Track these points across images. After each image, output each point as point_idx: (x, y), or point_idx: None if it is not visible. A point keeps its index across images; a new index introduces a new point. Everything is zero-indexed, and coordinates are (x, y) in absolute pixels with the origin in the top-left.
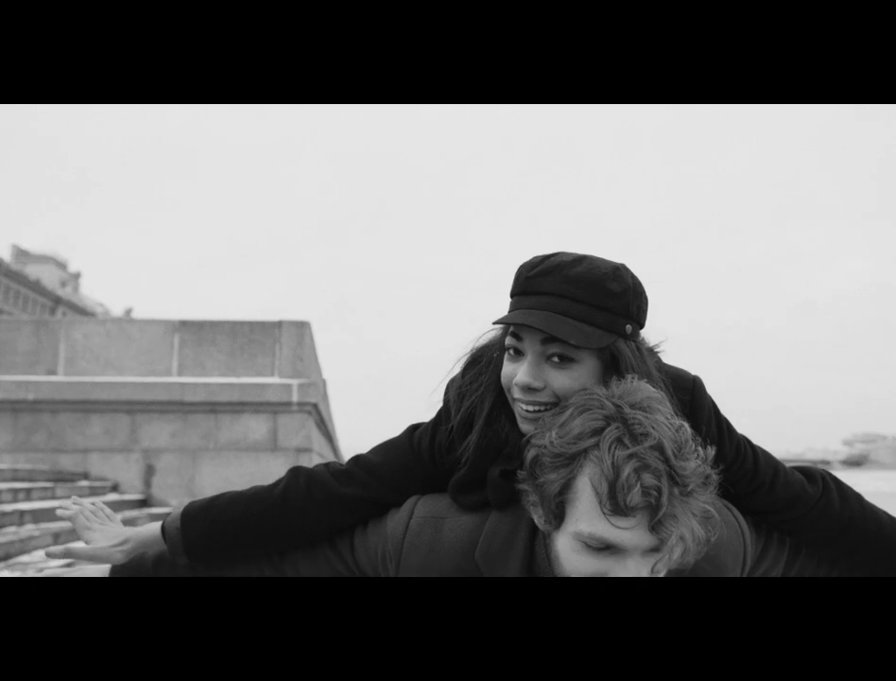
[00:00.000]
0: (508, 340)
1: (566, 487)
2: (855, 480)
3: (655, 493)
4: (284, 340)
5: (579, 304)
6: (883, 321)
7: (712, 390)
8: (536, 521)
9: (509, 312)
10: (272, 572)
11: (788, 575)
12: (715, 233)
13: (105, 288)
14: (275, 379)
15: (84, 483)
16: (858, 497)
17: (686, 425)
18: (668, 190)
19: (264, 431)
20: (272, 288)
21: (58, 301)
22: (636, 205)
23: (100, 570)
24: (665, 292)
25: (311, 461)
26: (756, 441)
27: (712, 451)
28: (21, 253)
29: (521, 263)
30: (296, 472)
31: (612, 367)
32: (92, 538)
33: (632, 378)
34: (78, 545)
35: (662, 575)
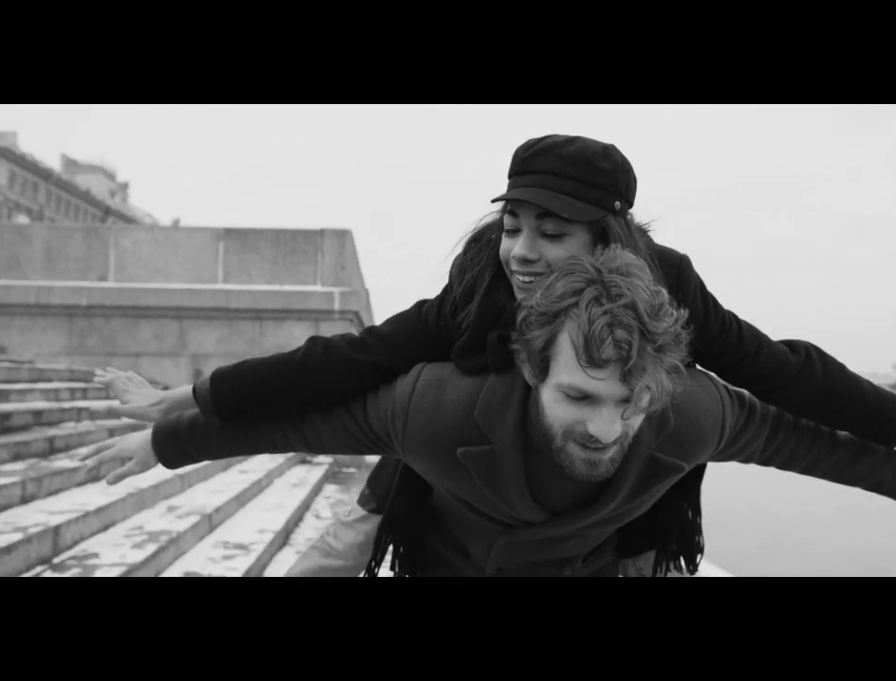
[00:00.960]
0: (506, 219)
1: (549, 343)
2: None
3: (626, 346)
4: (327, 247)
5: (571, 180)
6: None
7: (755, 306)
8: (526, 377)
9: (507, 191)
10: (292, 432)
11: (768, 451)
12: (763, 148)
13: (153, 198)
14: (317, 287)
15: None
16: (841, 366)
17: (664, 291)
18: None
19: (306, 337)
20: (314, 199)
21: (107, 211)
22: (692, 111)
23: (144, 435)
24: (716, 207)
25: None
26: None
27: (685, 313)
28: (70, 163)
29: (517, 145)
30: (314, 341)
31: (602, 241)
32: (130, 399)
33: (615, 247)
34: (119, 404)
35: (631, 422)
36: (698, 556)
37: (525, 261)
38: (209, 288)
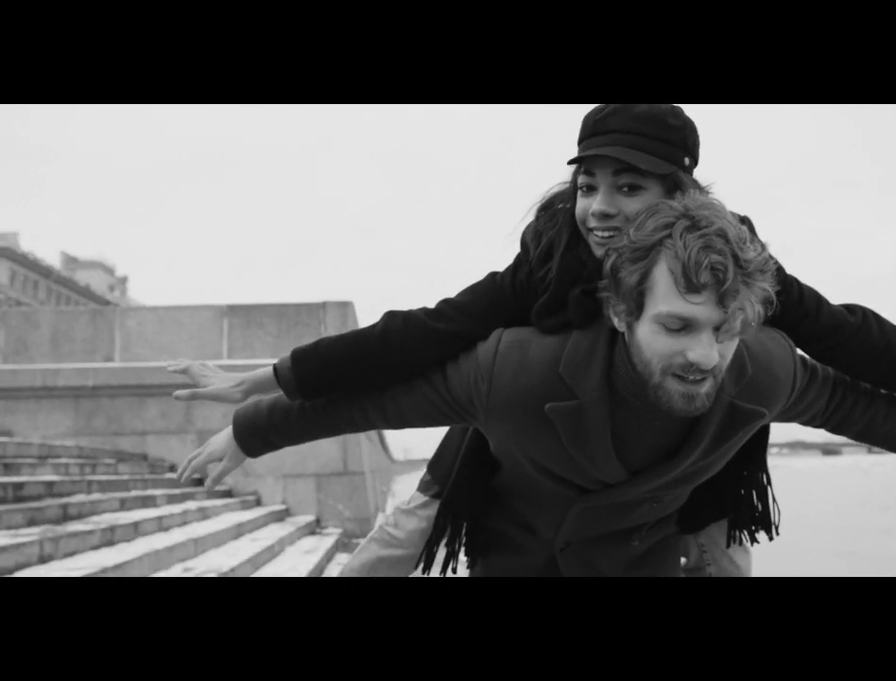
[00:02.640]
0: (582, 178)
1: (645, 277)
2: None
3: (721, 268)
4: (329, 319)
5: (645, 137)
6: None
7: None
8: (617, 324)
9: (580, 152)
10: (372, 408)
11: (828, 411)
12: (767, 208)
13: (152, 291)
14: None
15: (144, 463)
16: (895, 326)
17: (745, 227)
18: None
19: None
20: (315, 284)
21: (107, 304)
22: None
23: (227, 432)
24: None
25: (359, 438)
26: None
27: (769, 248)
28: (70, 260)
29: (585, 113)
30: (392, 315)
31: (674, 195)
32: (211, 382)
33: (694, 192)
34: (201, 389)
35: (724, 351)
36: (774, 526)
37: (604, 216)
38: (214, 365)
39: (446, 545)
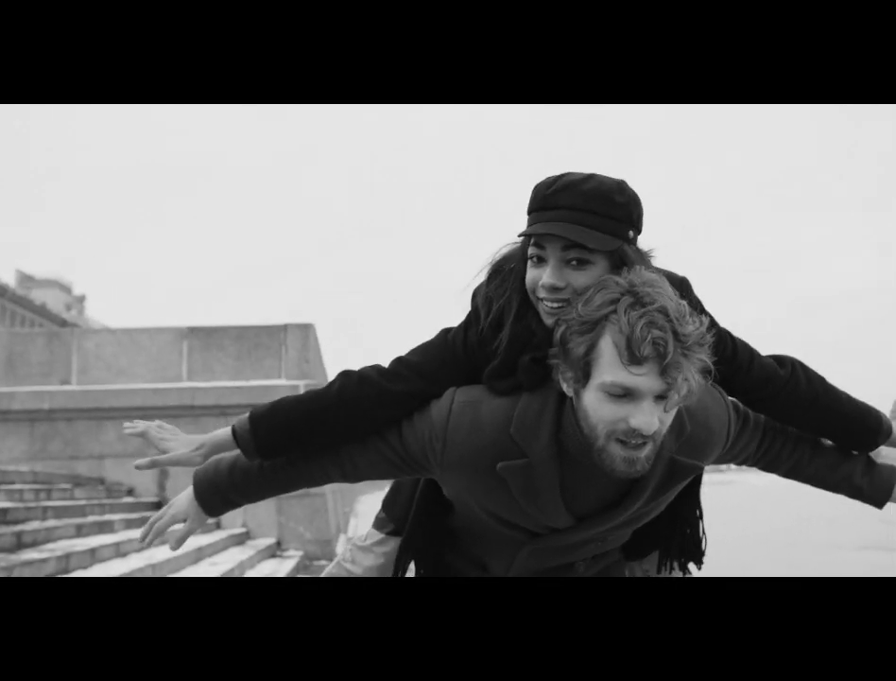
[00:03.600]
0: (532, 250)
1: (591, 348)
2: None
3: (662, 343)
4: (290, 342)
5: (592, 214)
6: (888, 317)
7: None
8: (565, 389)
9: (529, 226)
10: (330, 465)
11: (759, 453)
12: (717, 231)
13: (110, 311)
14: (282, 381)
15: (101, 487)
16: (822, 379)
17: (685, 302)
18: (667, 190)
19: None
20: (278, 303)
21: (63, 324)
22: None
23: (188, 492)
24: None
25: None
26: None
27: (706, 320)
28: (25, 278)
29: (536, 183)
30: (347, 375)
31: (620, 268)
32: (170, 447)
33: (638, 268)
34: (161, 455)
35: (664, 418)
36: (702, 557)
37: (553, 289)
38: (173, 387)
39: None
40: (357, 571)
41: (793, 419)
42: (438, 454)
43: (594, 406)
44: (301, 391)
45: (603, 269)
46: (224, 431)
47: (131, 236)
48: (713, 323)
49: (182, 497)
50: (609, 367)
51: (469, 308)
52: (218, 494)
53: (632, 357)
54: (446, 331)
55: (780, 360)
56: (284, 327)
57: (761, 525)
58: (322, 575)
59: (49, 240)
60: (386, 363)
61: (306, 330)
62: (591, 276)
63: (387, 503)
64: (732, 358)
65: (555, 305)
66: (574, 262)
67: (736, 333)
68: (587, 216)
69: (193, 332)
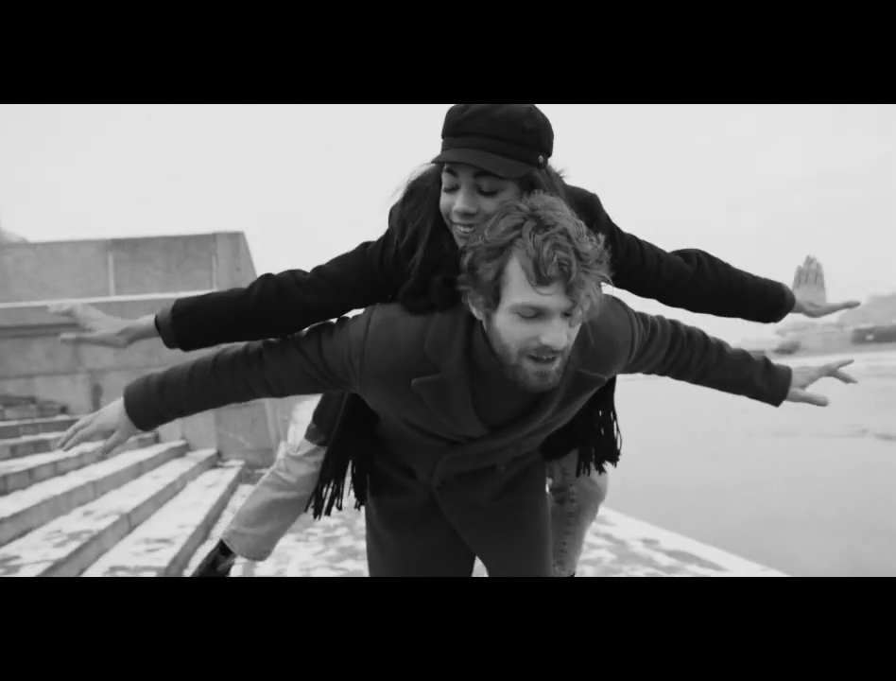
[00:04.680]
0: (445, 177)
1: (499, 272)
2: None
3: (567, 263)
4: (220, 251)
5: (502, 141)
6: (813, 210)
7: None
8: (475, 313)
9: (442, 152)
10: (254, 382)
11: (667, 363)
12: (649, 130)
13: (27, 222)
14: (214, 290)
15: (32, 407)
16: (726, 265)
17: (582, 222)
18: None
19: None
20: (203, 209)
21: None
22: (571, 107)
23: (118, 405)
24: (608, 192)
25: None
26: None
27: (602, 238)
28: None
29: (449, 108)
30: (266, 282)
31: (529, 191)
32: (95, 326)
33: (537, 192)
34: (86, 333)
35: (571, 333)
36: (617, 455)
37: (465, 215)
38: (101, 301)
39: (331, 486)
40: (292, 480)
41: (702, 307)
42: (356, 370)
43: (506, 327)
44: None
45: (513, 193)
46: (147, 319)
47: (43, 144)
48: (620, 234)
49: (112, 407)
50: (518, 289)
51: (386, 226)
52: (150, 409)
53: (540, 278)
54: (364, 245)
55: (685, 255)
56: (214, 236)
57: (685, 417)
58: (259, 485)
59: None
60: (308, 269)
61: (236, 239)
62: (501, 201)
63: (317, 414)
64: (641, 266)
65: (467, 229)
66: (485, 189)
67: (658, 233)
68: (497, 142)
69: (118, 244)
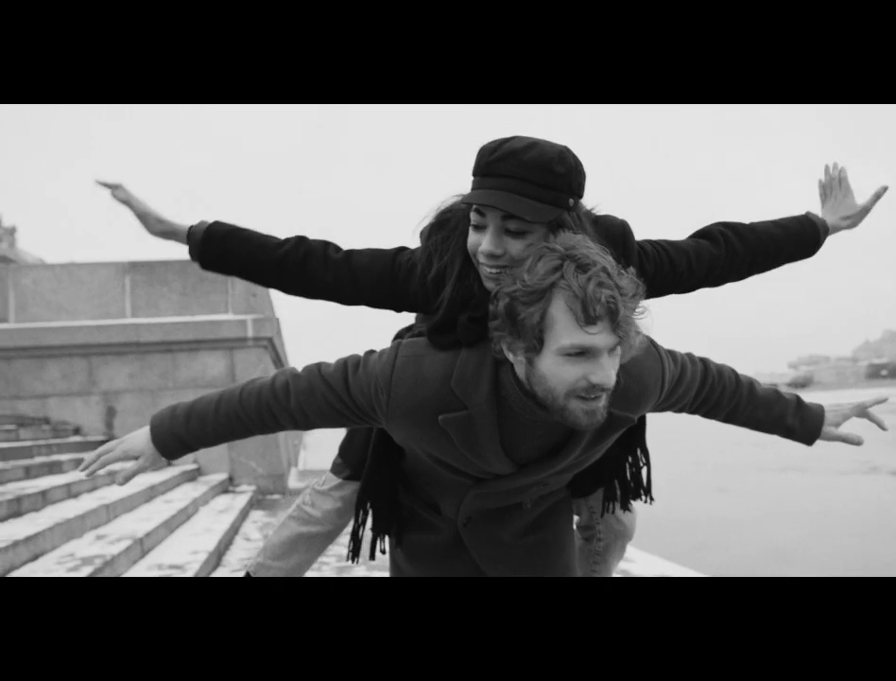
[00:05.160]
0: (473, 216)
1: (543, 316)
2: None
3: (613, 301)
4: None
5: (531, 184)
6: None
7: (663, 317)
8: (512, 359)
9: (472, 191)
10: (281, 414)
11: (697, 401)
12: (656, 155)
13: (43, 242)
14: (229, 316)
15: (46, 427)
16: (751, 228)
17: (609, 254)
18: (610, 119)
19: (221, 368)
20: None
21: None
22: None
23: (145, 433)
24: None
25: None
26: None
27: (633, 270)
28: None
29: (481, 146)
30: (298, 244)
31: (556, 232)
32: (142, 206)
33: (562, 231)
34: (135, 200)
35: (616, 370)
36: (641, 495)
37: (492, 256)
38: (117, 323)
39: (371, 529)
40: (317, 515)
41: (745, 275)
42: (383, 406)
43: (553, 370)
44: (249, 325)
45: (540, 236)
46: (183, 225)
47: (64, 165)
48: (646, 254)
49: (138, 435)
50: (565, 331)
51: (419, 249)
52: (175, 439)
53: (588, 317)
54: (399, 251)
55: (710, 237)
56: None
57: (694, 453)
58: (285, 518)
59: None
60: (344, 247)
61: None
62: (528, 244)
63: (343, 449)
64: (672, 272)
65: (494, 270)
66: (513, 230)
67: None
68: (526, 186)
69: (135, 267)
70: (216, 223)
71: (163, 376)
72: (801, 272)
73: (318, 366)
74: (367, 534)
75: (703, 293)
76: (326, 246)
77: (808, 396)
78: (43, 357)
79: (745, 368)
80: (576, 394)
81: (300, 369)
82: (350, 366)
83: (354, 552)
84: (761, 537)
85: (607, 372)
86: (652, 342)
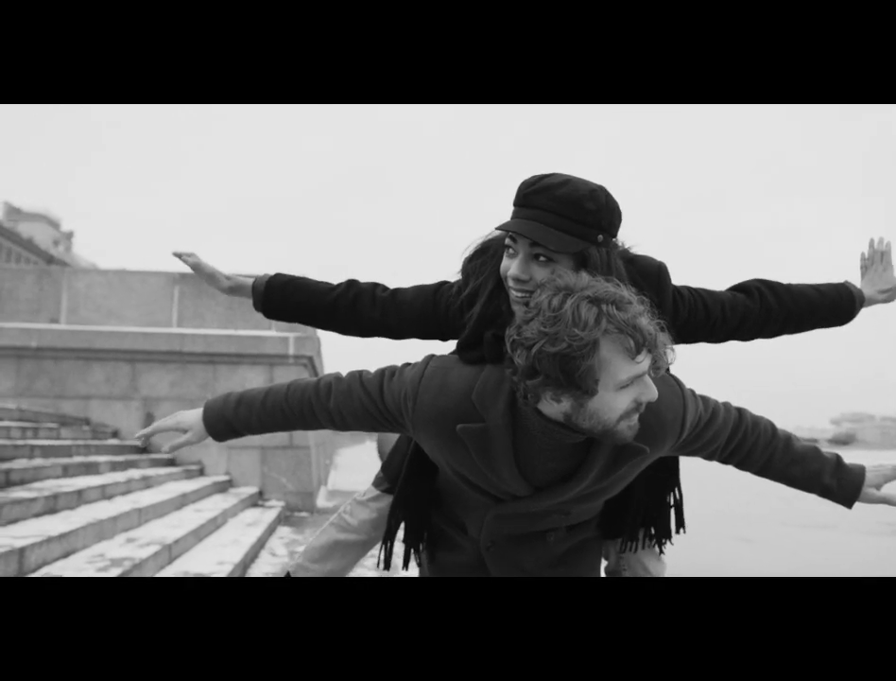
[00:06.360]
0: (507, 241)
1: (598, 362)
2: None
3: (649, 329)
4: None
5: (561, 217)
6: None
7: (703, 367)
8: (557, 408)
9: (510, 220)
10: (320, 412)
11: (728, 449)
12: (711, 206)
13: (98, 249)
14: (272, 332)
15: (86, 428)
16: (786, 287)
17: (624, 286)
18: (667, 170)
19: (260, 382)
20: (273, 250)
21: (50, 260)
22: (639, 181)
23: (197, 412)
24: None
25: None
26: None
27: (645, 298)
28: (13, 211)
29: (523, 179)
30: (349, 287)
31: (583, 266)
32: (211, 270)
33: (564, 272)
34: (203, 263)
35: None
36: (665, 541)
37: (518, 280)
38: (163, 332)
39: (403, 541)
40: (354, 523)
41: (776, 333)
42: (410, 412)
43: (611, 404)
44: (291, 343)
45: (567, 266)
46: (248, 281)
47: (122, 175)
48: (681, 297)
49: (191, 413)
50: (620, 368)
51: (459, 279)
52: (224, 421)
53: (638, 350)
54: (441, 284)
55: (747, 291)
56: None
57: (719, 496)
58: (326, 524)
59: (39, 175)
60: (390, 285)
61: None
62: (554, 272)
63: (386, 464)
64: (706, 319)
65: (521, 294)
66: (540, 258)
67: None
68: (556, 218)
69: (184, 278)
70: (277, 275)
71: (203, 387)
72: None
73: (360, 373)
74: (399, 547)
75: (745, 344)
76: (375, 287)
77: (851, 454)
78: (89, 359)
79: (785, 422)
80: (627, 416)
81: (344, 374)
82: (387, 375)
83: (387, 562)
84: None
85: (652, 388)
86: (677, 381)
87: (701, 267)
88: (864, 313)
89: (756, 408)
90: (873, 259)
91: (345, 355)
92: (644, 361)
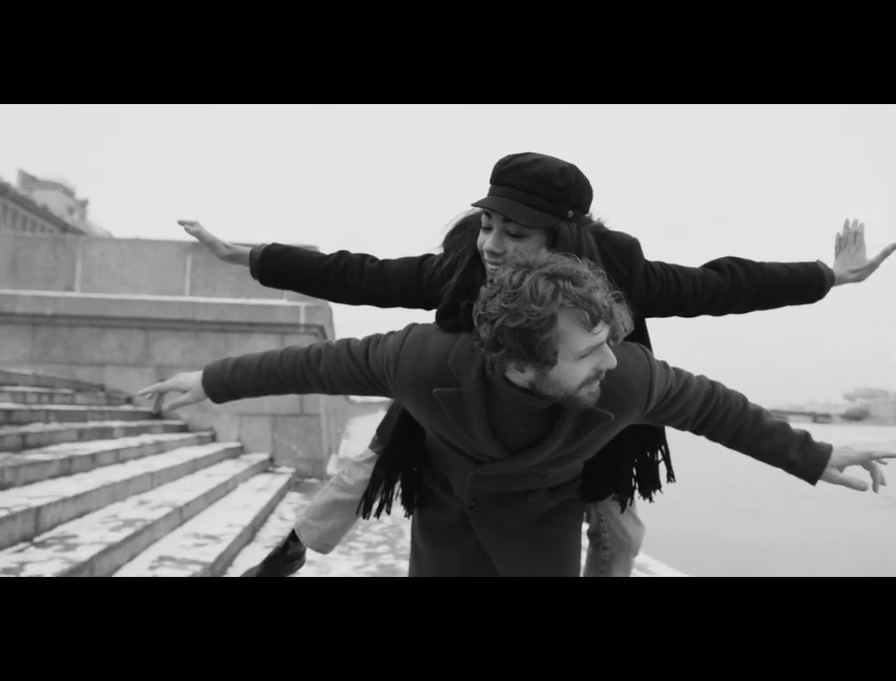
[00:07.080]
0: (483, 218)
1: (557, 335)
2: (852, 438)
3: (605, 301)
4: None
5: (532, 194)
6: (891, 275)
7: (719, 341)
8: (521, 377)
9: (485, 197)
10: (310, 375)
11: (699, 420)
12: (731, 185)
13: (112, 217)
14: (283, 301)
15: (101, 394)
16: (758, 266)
17: (583, 261)
18: (688, 149)
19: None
20: (285, 221)
21: (65, 228)
22: (659, 158)
23: (197, 374)
24: (689, 239)
25: None
26: (761, 394)
27: (604, 274)
28: (28, 179)
29: (498, 158)
30: (339, 258)
31: (554, 240)
32: (213, 237)
33: (542, 251)
34: (205, 231)
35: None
36: (655, 491)
37: (493, 254)
38: (175, 300)
39: (380, 493)
40: (350, 483)
41: (747, 309)
42: (392, 376)
43: (571, 373)
44: (302, 312)
45: (538, 241)
46: (245, 249)
47: (137, 144)
48: (653, 272)
49: (191, 375)
50: (578, 340)
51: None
52: (221, 384)
53: (595, 323)
54: (425, 257)
55: (718, 268)
56: None
57: (725, 468)
58: (328, 484)
59: (54, 143)
60: (379, 256)
61: None
62: (526, 246)
63: (381, 427)
64: (678, 293)
65: (494, 266)
66: (512, 233)
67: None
68: (527, 195)
69: (197, 246)
70: (273, 245)
71: (215, 355)
72: (861, 300)
73: (348, 340)
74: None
75: (756, 318)
76: (364, 258)
77: (864, 430)
78: (103, 326)
79: (798, 397)
80: (587, 383)
81: (333, 341)
82: (372, 342)
83: (366, 511)
84: (785, 567)
85: (610, 357)
86: (645, 352)
87: (718, 250)
88: (881, 287)
89: (770, 384)
90: (847, 240)
91: (356, 322)
92: (601, 332)
